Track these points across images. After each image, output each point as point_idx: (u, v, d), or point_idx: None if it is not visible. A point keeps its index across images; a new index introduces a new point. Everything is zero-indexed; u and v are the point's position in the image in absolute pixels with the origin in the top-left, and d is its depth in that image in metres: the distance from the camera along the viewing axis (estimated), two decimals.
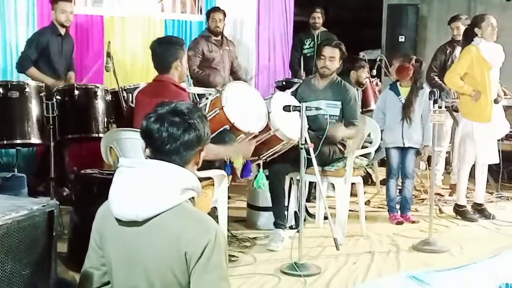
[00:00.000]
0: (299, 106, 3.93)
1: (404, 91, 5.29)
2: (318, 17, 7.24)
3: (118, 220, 1.99)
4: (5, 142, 4.69)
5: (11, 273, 1.88)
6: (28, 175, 5.00)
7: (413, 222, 5.27)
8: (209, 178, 3.75)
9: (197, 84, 5.95)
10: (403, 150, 5.29)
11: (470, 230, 5.17)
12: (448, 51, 6.49)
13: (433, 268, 3.96)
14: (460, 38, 6.01)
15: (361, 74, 6.06)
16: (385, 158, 5.50)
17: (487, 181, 5.70)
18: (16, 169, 4.90)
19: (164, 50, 3.75)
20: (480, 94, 5.28)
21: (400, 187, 5.46)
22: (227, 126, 3.82)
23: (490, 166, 5.65)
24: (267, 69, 8.08)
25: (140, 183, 1.96)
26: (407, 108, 5.22)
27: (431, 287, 3.62)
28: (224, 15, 6.52)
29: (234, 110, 3.85)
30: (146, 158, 2.07)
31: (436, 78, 6.37)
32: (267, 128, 4.19)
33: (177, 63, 3.76)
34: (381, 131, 5.20)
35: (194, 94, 4.82)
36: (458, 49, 6.25)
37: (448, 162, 6.93)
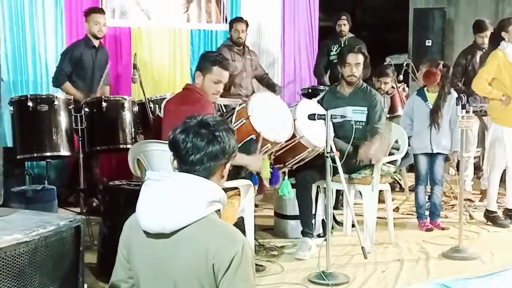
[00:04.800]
0: (324, 115, 3.92)
1: (432, 96, 5.24)
2: (344, 24, 7.21)
3: (146, 233, 2.01)
4: (35, 154, 4.78)
5: None
6: (59, 186, 5.10)
7: (443, 228, 5.21)
8: (235, 188, 3.77)
9: None
10: (432, 156, 5.23)
11: (501, 237, 5.09)
12: (468, 57, 6.41)
13: (463, 276, 3.91)
14: (485, 46, 5.94)
15: (380, 86, 5.99)
16: (414, 165, 5.45)
17: None
18: (46, 181, 4.98)
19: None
20: (510, 98, 5.22)
21: (429, 194, 5.40)
22: (253, 136, 3.84)
23: None
24: (293, 77, 8.08)
25: (167, 196, 1.98)
26: (435, 114, 5.16)
27: None
28: (247, 25, 6.57)
29: (260, 120, 3.86)
30: (174, 170, 2.10)
31: (460, 84, 6.29)
32: (292, 135, 4.19)
33: (198, 73, 3.89)
34: (409, 137, 5.15)
35: (221, 104, 4.85)
36: (478, 54, 6.19)
37: (477, 167, 6.84)
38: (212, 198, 2.02)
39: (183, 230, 1.96)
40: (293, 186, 4.52)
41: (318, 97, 5.00)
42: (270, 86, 6.73)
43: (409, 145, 5.12)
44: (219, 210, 2.08)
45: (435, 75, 5.21)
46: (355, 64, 4.71)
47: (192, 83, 4.07)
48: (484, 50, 6.12)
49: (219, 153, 2.07)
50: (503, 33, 5.24)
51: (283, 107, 4.27)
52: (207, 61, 3.88)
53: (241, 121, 3.85)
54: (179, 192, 1.97)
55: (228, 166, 2.16)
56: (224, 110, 4.84)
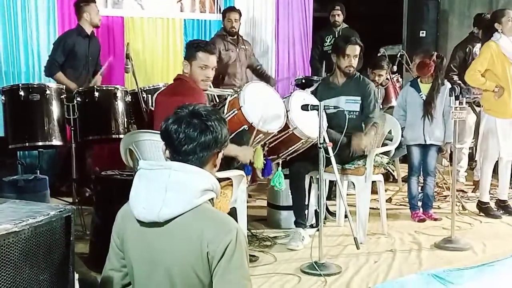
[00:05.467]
0: (317, 105, 3.91)
1: (425, 87, 5.23)
2: (338, 14, 7.20)
3: (139, 222, 2.02)
4: (27, 144, 4.76)
5: (29, 278, 1.90)
6: (51, 176, 5.08)
7: (436, 219, 5.22)
8: (228, 178, 3.76)
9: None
10: (425, 148, 5.24)
11: (493, 227, 5.10)
12: (467, 49, 6.39)
13: (455, 267, 3.93)
14: None
15: (374, 78, 5.98)
16: (407, 155, 5.46)
17: (511, 177, 5.61)
18: (38, 171, 4.96)
19: None
20: (503, 90, 5.22)
21: (422, 185, 5.41)
22: (245, 127, 3.82)
23: None
24: (287, 67, 8.07)
25: (160, 185, 1.98)
26: (428, 105, 5.16)
27: (454, 286, 3.59)
28: (240, 14, 6.55)
29: (252, 110, 3.85)
30: (166, 160, 2.10)
31: (455, 78, 6.27)
32: (285, 126, 4.19)
33: (185, 62, 3.88)
34: (402, 128, 5.15)
35: (214, 95, 4.83)
36: (478, 45, 6.17)
37: (471, 158, 6.85)
38: (205, 187, 2.03)
39: (177, 219, 1.97)
40: (286, 176, 4.52)
41: (312, 88, 4.99)
42: (264, 78, 6.70)
43: (402, 136, 5.13)
44: (212, 199, 2.08)
45: (428, 66, 5.20)
46: (354, 56, 4.71)
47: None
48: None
49: (211, 143, 2.07)
50: (496, 24, 5.23)
51: (275, 97, 4.25)
52: (191, 48, 3.86)
53: (233, 112, 3.83)
54: (172, 181, 1.98)
55: (220, 155, 2.17)
56: (218, 101, 4.83)
